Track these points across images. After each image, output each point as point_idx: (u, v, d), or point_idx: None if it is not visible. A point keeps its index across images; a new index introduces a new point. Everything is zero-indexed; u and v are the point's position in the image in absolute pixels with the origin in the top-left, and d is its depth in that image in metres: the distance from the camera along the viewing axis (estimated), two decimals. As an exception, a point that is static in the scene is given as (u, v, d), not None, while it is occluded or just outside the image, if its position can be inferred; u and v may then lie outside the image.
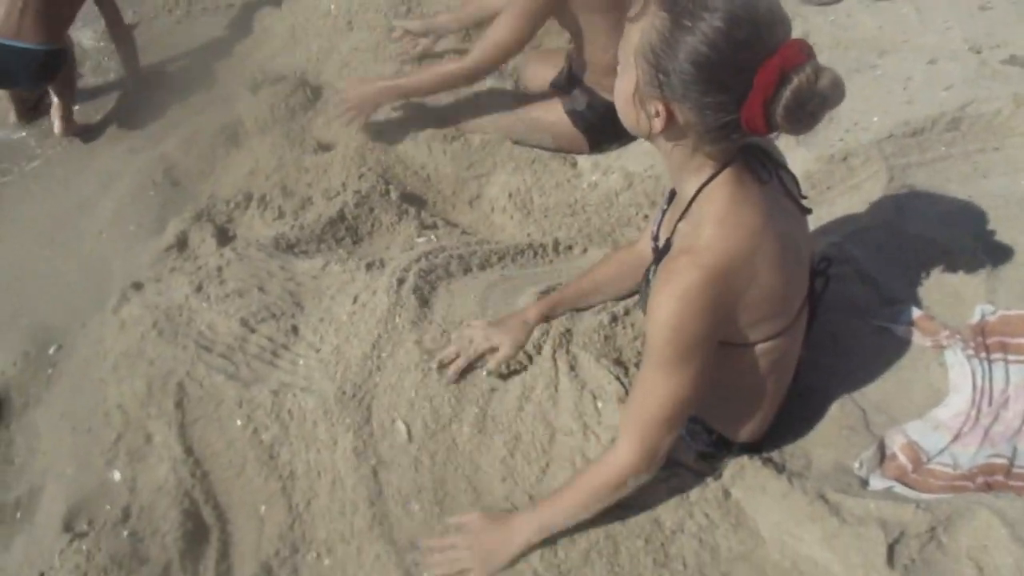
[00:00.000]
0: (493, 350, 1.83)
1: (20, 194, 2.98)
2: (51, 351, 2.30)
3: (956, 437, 1.71)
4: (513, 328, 1.84)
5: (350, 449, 1.76)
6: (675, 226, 1.47)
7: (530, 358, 1.85)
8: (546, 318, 1.86)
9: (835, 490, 1.59)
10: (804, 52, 1.21)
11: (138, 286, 2.20)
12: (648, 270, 1.57)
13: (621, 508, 1.65)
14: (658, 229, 1.62)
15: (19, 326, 2.41)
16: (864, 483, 1.67)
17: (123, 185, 2.85)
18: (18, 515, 1.90)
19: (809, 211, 1.54)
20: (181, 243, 2.41)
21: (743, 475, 1.65)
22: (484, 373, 1.83)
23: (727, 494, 1.65)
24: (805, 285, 1.52)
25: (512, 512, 1.63)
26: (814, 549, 1.55)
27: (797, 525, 1.57)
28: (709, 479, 1.70)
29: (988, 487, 1.62)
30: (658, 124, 1.32)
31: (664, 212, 1.61)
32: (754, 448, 1.73)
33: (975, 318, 1.87)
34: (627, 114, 1.40)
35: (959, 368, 1.80)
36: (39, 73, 3.02)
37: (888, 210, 2.19)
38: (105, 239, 2.63)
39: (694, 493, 1.66)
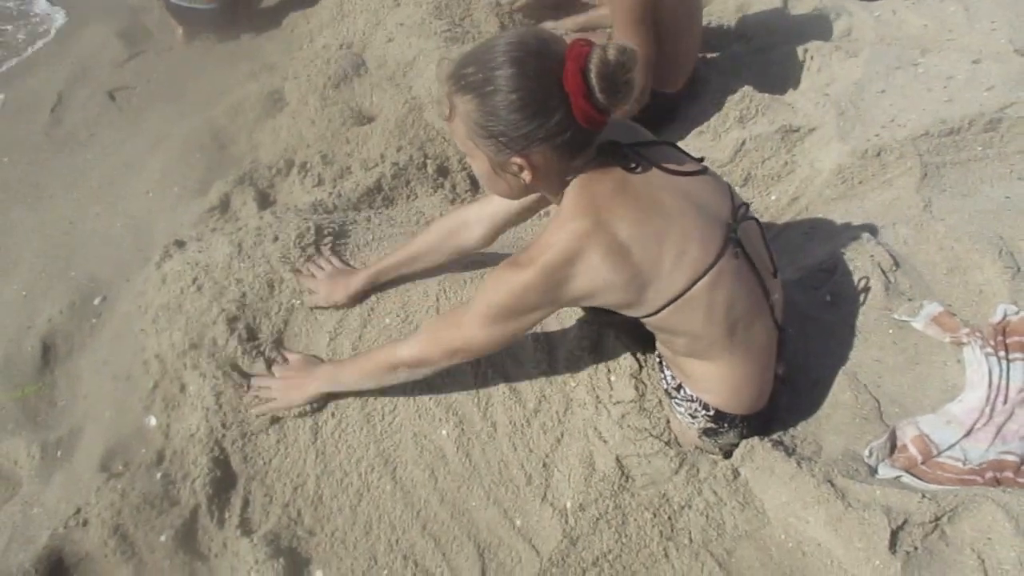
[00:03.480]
0: (312, 292, 2.04)
1: (73, 152, 3.08)
2: (96, 302, 2.39)
3: (968, 432, 1.72)
4: (339, 285, 2.02)
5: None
6: None
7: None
8: (370, 284, 2.04)
9: (843, 475, 1.62)
10: (584, 44, 1.36)
11: (180, 244, 2.28)
12: None
13: (630, 481, 1.70)
14: None
15: (67, 277, 2.51)
16: (873, 471, 1.69)
17: (170, 148, 2.94)
18: (59, 453, 1.99)
19: (701, 159, 1.62)
20: (223, 205, 2.49)
21: (753, 456, 1.69)
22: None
23: (736, 473, 1.69)
24: (705, 244, 1.49)
25: (320, 362, 1.91)
26: (818, 531, 1.58)
27: (803, 507, 1.60)
28: (719, 458, 1.74)
29: (997, 483, 1.64)
30: (527, 175, 1.47)
31: None
32: (760, 426, 1.76)
33: (997, 317, 1.88)
34: (497, 187, 1.56)
35: (976, 365, 1.81)
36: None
37: (917, 207, 2.19)
38: (151, 198, 2.72)
39: (704, 471, 1.70)
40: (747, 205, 1.61)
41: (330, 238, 2.14)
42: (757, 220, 1.64)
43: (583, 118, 1.38)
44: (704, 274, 1.48)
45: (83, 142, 3.11)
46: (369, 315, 2.00)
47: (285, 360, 1.93)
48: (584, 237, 1.43)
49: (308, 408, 1.84)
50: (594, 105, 1.35)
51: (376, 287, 2.05)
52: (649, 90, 2.56)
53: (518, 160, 1.44)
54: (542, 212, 1.93)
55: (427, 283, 2.05)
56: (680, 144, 2.65)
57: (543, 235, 1.48)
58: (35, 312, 2.42)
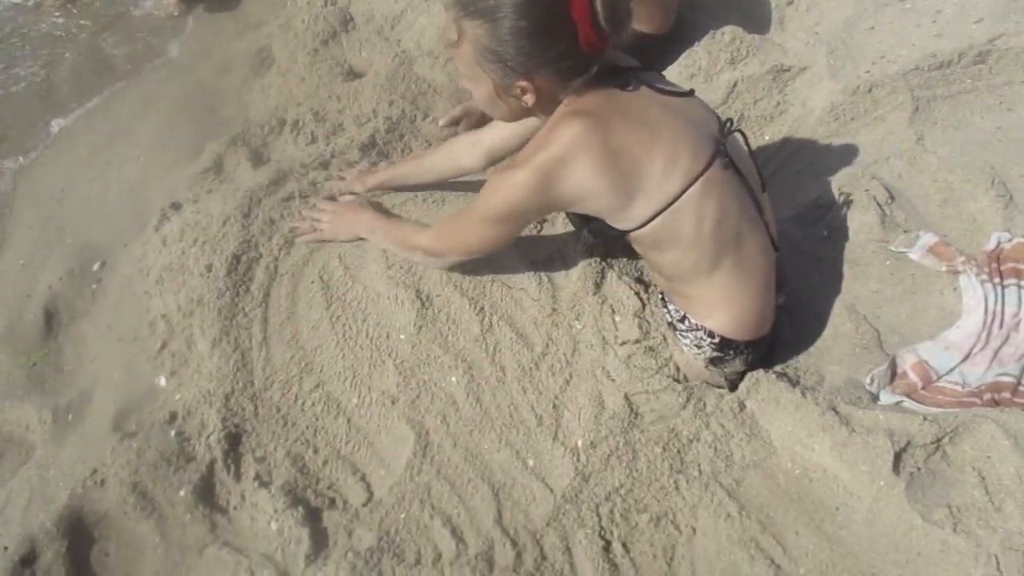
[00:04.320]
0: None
1: (56, 118, 3.04)
2: (95, 267, 2.38)
3: (966, 357, 1.77)
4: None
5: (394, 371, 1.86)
6: None
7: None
8: (383, 183, 2.20)
9: (846, 403, 1.67)
10: None
11: (177, 206, 2.28)
12: None
13: (639, 418, 1.74)
14: None
15: (64, 244, 2.50)
16: (874, 398, 1.74)
17: (159, 111, 2.91)
18: (69, 417, 2.00)
19: (690, 92, 1.67)
20: (217, 166, 2.47)
21: (758, 388, 1.73)
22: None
23: (742, 406, 1.73)
24: (694, 154, 1.54)
25: (368, 211, 2.04)
26: (824, 457, 1.63)
27: (808, 435, 1.65)
28: (725, 392, 1.78)
29: (995, 404, 1.68)
30: (530, 98, 1.55)
31: None
32: (763, 355, 1.80)
33: (991, 245, 1.91)
34: (499, 110, 1.64)
35: (972, 292, 1.85)
36: None
37: (910, 140, 2.21)
38: (143, 163, 2.69)
39: (710, 404, 1.74)
40: (731, 120, 1.65)
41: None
42: (743, 133, 1.69)
43: (588, 44, 1.44)
44: (693, 182, 1.54)
45: (71, 106, 3.07)
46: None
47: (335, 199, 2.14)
48: (575, 139, 1.50)
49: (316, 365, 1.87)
50: (598, 32, 1.42)
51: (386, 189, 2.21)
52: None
53: (523, 83, 1.52)
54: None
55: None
56: (671, 76, 2.68)
57: (535, 139, 1.57)
58: (34, 281, 2.41)
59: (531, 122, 1.80)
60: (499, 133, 1.98)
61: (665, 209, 1.54)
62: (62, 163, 2.91)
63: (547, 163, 1.52)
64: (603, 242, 1.94)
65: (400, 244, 1.92)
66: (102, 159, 2.82)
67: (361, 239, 2.03)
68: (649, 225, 1.56)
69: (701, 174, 1.54)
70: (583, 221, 1.70)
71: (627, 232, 1.61)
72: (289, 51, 2.85)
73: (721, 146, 1.59)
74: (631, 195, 1.53)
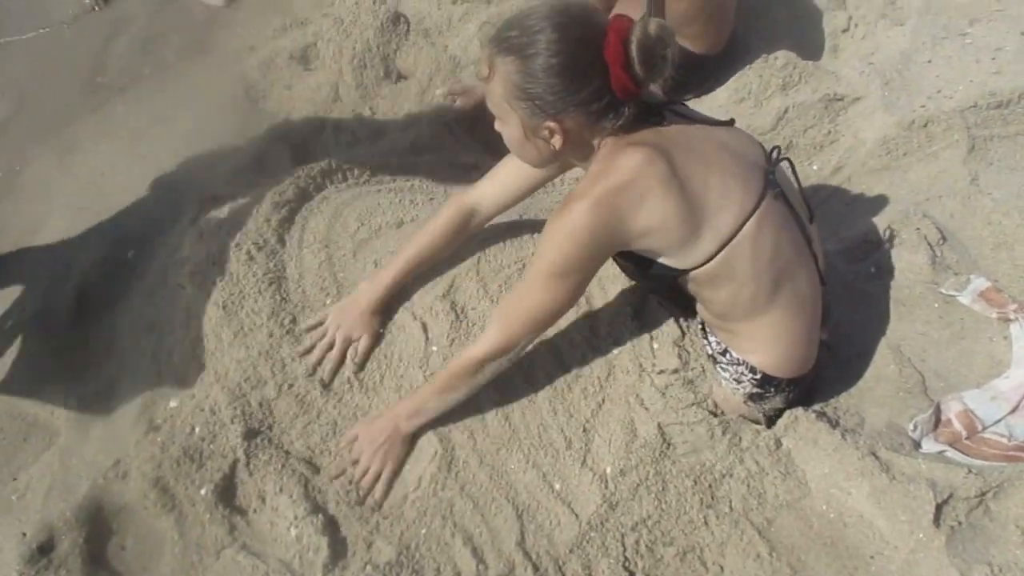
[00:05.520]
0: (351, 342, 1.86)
1: (104, 104, 3.06)
2: (129, 255, 2.38)
3: (1014, 409, 1.71)
4: (363, 323, 1.85)
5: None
6: None
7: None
8: (383, 301, 1.88)
9: (887, 448, 1.62)
10: (626, 19, 1.40)
11: (215, 199, 2.27)
12: None
13: (672, 448, 1.70)
14: None
15: (100, 230, 2.50)
16: (916, 445, 1.68)
17: (202, 103, 2.91)
18: (95, 405, 1.99)
19: (730, 122, 1.63)
20: (258, 162, 2.46)
21: (796, 426, 1.68)
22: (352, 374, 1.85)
23: (778, 443, 1.68)
24: (746, 186, 1.50)
25: (384, 413, 1.76)
26: (861, 503, 1.58)
27: (846, 479, 1.60)
28: (761, 428, 1.73)
29: (1042, 460, 1.63)
30: (558, 140, 1.49)
31: None
32: (804, 393, 1.76)
33: (1045, 294, 1.85)
34: (527, 153, 1.57)
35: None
36: None
37: (964, 180, 2.15)
38: (183, 154, 2.69)
39: (746, 440, 1.69)
40: (779, 148, 1.61)
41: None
42: (790, 161, 1.64)
43: (619, 88, 1.41)
44: (750, 215, 1.49)
45: (115, 94, 3.08)
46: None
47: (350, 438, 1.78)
48: (639, 167, 1.42)
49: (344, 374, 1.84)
50: (632, 76, 1.39)
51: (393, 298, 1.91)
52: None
53: (551, 124, 1.46)
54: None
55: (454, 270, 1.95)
56: (721, 110, 2.64)
57: (589, 175, 1.48)
58: (69, 266, 2.42)
59: (536, 174, 1.75)
60: (508, 183, 1.81)
61: (728, 243, 1.48)
62: (103, 148, 2.93)
63: (611, 193, 1.42)
64: (668, 296, 1.84)
65: (459, 385, 1.66)
66: (142, 147, 2.83)
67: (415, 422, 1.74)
68: (712, 261, 1.49)
69: (757, 206, 1.49)
70: (639, 271, 1.59)
71: (688, 271, 1.52)
72: (335, 49, 2.84)
73: (770, 176, 1.55)
74: (698, 227, 1.46)
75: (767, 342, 1.62)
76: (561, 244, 1.47)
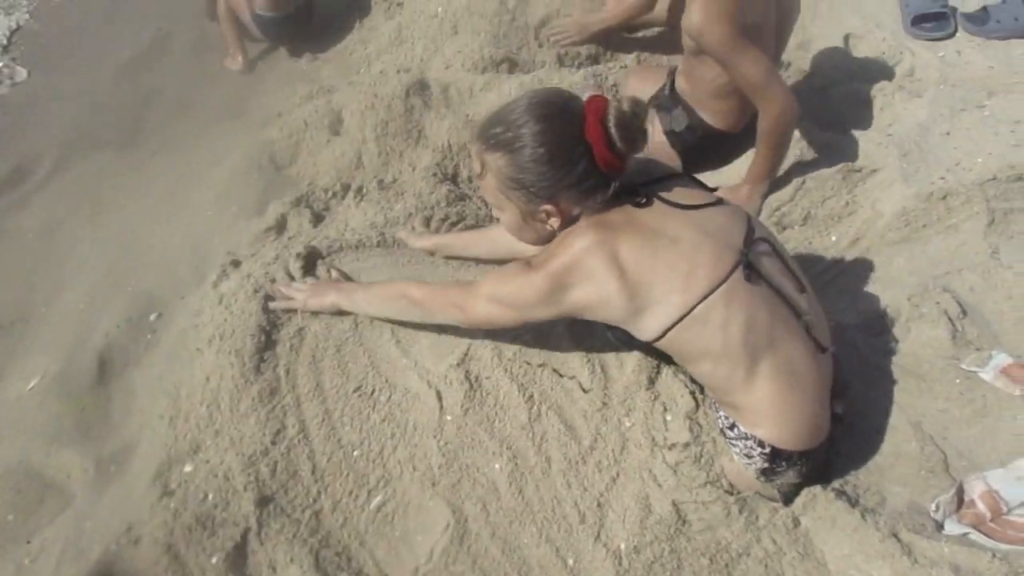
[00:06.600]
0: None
1: (134, 166, 3.14)
2: (152, 318, 2.41)
3: (1040, 490, 1.67)
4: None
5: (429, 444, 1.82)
6: None
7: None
8: (430, 252, 2.24)
9: (909, 530, 1.58)
10: (601, 98, 1.53)
11: (237, 264, 2.30)
12: None
13: (687, 525, 1.67)
14: None
15: (124, 292, 2.54)
16: (939, 526, 1.64)
17: (228, 167, 2.98)
18: (112, 468, 2.00)
19: (713, 190, 1.73)
20: (280, 225, 2.50)
21: (814, 505, 1.65)
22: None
23: (796, 522, 1.65)
24: (714, 266, 1.55)
25: (342, 282, 2.06)
26: (882, 587, 1.54)
27: (866, 560, 1.56)
28: (779, 506, 1.70)
29: (1070, 545, 1.58)
30: (555, 221, 1.62)
31: None
32: (819, 468, 1.73)
33: (1069, 371, 1.82)
34: (528, 235, 1.70)
35: (1049, 420, 1.75)
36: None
37: (984, 253, 2.14)
38: (208, 216, 2.75)
39: (763, 518, 1.66)
40: (754, 229, 1.65)
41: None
42: (772, 241, 1.67)
43: (605, 164, 1.53)
44: (711, 292, 1.53)
45: (147, 156, 3.17)
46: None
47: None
48: (585, 251, 1.54)
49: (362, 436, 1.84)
50: (615, 152, 1.52)
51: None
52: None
53: (547, 207, 1.59)
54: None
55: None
56: (730, 179, 2.65)
57: (550, 247, 1.62)
58: (92, 326, 2.45)
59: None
60: None
61: (680, 321, 1.55)
62: (131, 208, 2.99)
63: (556, 271, 1.56)
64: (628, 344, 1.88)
65: (384, 298, 1.90)
66: (170, 207, 2.89)
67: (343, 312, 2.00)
68: (667, 336, 1.57)
69: (719, 285, 1.54)
70: (607, 326, 1.69)
71: (649, 342, 1.61)
72: (360, 117, 2.90)
73: (744, 255, 1.58)
74: (640, 308, 1.56)
75: (769, 415, 1.62)
76: (509, 286, 1.64)
